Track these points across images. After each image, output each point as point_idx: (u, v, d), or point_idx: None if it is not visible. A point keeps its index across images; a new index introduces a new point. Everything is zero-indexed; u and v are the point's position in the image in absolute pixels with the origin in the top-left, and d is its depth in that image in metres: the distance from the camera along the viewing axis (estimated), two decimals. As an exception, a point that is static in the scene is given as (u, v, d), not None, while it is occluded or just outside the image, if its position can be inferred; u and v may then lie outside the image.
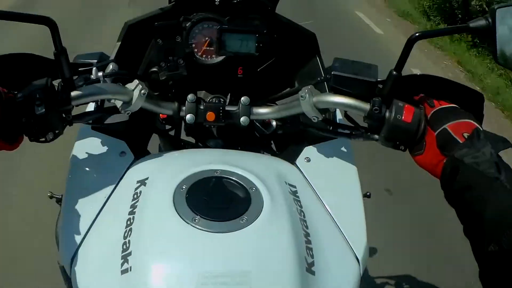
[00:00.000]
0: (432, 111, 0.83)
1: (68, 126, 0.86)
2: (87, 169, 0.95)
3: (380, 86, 0.87)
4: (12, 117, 0.78)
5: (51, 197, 1.47)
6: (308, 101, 0.88)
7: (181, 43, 0.99)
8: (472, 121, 0.79)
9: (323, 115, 0.92)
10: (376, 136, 0.87)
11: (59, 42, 0.79)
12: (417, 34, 0.80)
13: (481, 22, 0.78)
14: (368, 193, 1.41)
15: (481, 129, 0.77)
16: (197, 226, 0.71)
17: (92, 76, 0.91)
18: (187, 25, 1.07)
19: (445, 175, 0.76)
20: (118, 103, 0.90)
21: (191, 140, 1.18)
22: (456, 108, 0.83)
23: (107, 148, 0.99)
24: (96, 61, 1.08)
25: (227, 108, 1.00)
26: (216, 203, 0.76)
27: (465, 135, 0.76)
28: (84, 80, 0.90)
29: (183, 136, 1.18)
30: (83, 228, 0.83)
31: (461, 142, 0.75)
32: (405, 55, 0.82)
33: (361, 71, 0.88)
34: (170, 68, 1.00)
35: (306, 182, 0.94)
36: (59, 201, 1.44)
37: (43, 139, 0.81)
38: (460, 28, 0.81)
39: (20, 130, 0.80)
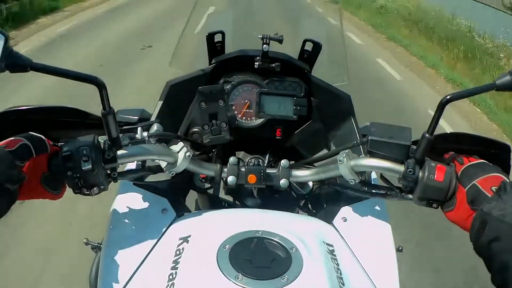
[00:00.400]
0: (462, 168, 0.86)
1: (112, 182, 0.89)
2: (129, 222, 0.98)
3: (414, 147, 0.89)
4: (57, 169, 0.82)
5: (86, 243, 1.50)
6: (346, 165, 0.91)
7: (224, 107, 1.04)
8: (499, 174, 0.83)
9: (360, 178, 0.94)
10: (410, 196, 0.90)
11: (107, 102, 0.81)
12: (448, 97, 0.82)
13: (506, 77, 0.80)
14: (400, 247, 1.42)
15: (508, 180, 0.80)
16: (240, 284, 0.72)
17: (137, 136, 0.94)
18: (227, 87, 1.12)
19: (473, 229, 0.79)
20: (163, 164, 0.93)
21: (229, 197, 1.20)
22: (484, 163, 0.87)
23: (149, 204, 1.02)
24: (137, 117, 1.13)
25: (268, 170, 1.02)
26: (258, 262, 0.77)
27: (493, 188, 0.79)
28: (129, 139, 0.94)
29: (221, 193, 1.20)
30: (123, 278, 0.86)
31: (489, 196, 0.78)
32: (437, 118, 0.84)
33: (396, 134, 0.91)
34: (214, 132, 1.04)
35: (343, 241, 0.96)
36: (94, 248, 1.47)
37: (88, 193, 0.85)
38: (488, 86, 0.83)
39: (64, 181, 0.84)
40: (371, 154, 0.91)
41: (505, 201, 0.75)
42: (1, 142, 0.78)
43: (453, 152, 0.93)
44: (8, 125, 0.94)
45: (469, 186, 0.82)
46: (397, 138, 0.90)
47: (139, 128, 0.95)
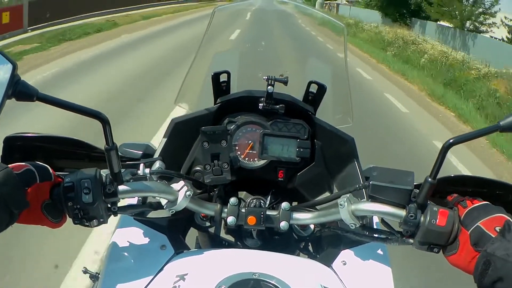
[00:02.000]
0: (465, 212, 0.86)
1: (112, 216, 0.90)
2: (127, 256, 0.98)
3: (416, 191, 0.89)
4: (58, 198, 0.83)
5: (85, 272, 1.50)
6: (346, 209, 0.90)
7: (226, 148, 1.04)
8: (503, 215, 0.82)
9: (361, 222, 0.93)
10: (411, 241, 0.89)
11: (110, 138, 0.82)
12: (451, 141, 0.82)
13: (510, 118, 0.80)
14: None
15: None
16: None
17: (139, 172, 0.95)
18: (231, 127, 1.13)
19: (477, 270, 0.78)
20: (163, 201, 0.93)
21: (230, 237, 1.19)
22: (488, 205, 0.86)
23: (148, 239, 1.02)
24: (141, 152, 1.14)
25: (268, 212, 1.01)
26: None
27: (497, 229, 0.78)
28: (131, 174, 0.94)
29: (222, 233, 1.19)
30: None
31: (493, 236, 0.78)
32: (440, 162, 0.84)
33: (397, 179, 0.90)
34: (215, 172, 1.03)
35: (341, 285, 0.94)
36: (92, 277, 1.47)
37: (87, 224, 0.85)
38: (492, 128, 0.83)
39: (64, 211, 0.84)
40: (373, 198, 0.91)
41: (509, 240, 0.74)
42: (8, 166, 0.79)
43: (456, 195, 0.93)
44: (15, 150, 0.96)
45: (472, 228, 0.82)
46: (399, 183, 0.89)
47: (141, 165, 0.96)
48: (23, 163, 0.82)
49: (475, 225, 0.81)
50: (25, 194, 0.78)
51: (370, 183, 0.90)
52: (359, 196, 1.03)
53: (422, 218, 0.86)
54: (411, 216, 0.86)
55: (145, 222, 1.05)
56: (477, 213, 0.84)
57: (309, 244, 1.22)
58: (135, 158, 1.13)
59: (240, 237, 1.15)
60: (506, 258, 0.72)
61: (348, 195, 0.93)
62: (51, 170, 0.85)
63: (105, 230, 2.22)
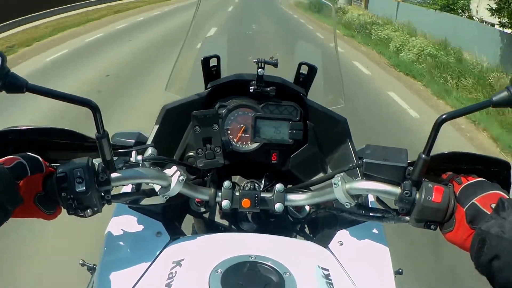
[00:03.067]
0: (460, 188, 0.85)
1: (106, 204, 0.89)
2: (123, 245, 0.98)
3: (410, 168, 0.88)
4: (52, 189, 0.83)
5: (82, 264, 1.51)
6: (341, 188, 0.90)
7: (218, 132, 1.03)
8: (498, 191, 0.82)
9: (356, 201, 0.93)
10: (407, 218, 0.89)
11: (101, 126, 0.82)
12: (443, 116, 0.81)
13: (503, 93, 0.80)
14: (400, 270, 1.42)
15: (507, 197, 0.79)
16: None
17: (131, 159, 0.95)
18: (223, 112, 1.12)
19: (473, 248, 0.78)
20: (157, 187, 0.93)
21: (225, 222, 1.19)
22: (483, 181, 0.86)
23: (144, 227, 1.02)
24: (134, 140, 1.14)
25: (262, 195, 1.01)
26: (250, 287, 0.77)
27: (493, 206, 0.78)
28: (123, 162, 0.94)
29: (217, 218, 1.19)
30: None
31: (488, 213, 0.77)
32: (433, 138, 0.84)
33: (391, 156, 0.90)
34: (207, 156, 1.02)
35: (339, 265, 0.94)
36: (90, 269, 1.48)
37: (82, 214, 0.85)
38: (485, 103, 0.82)
39: (58, 202, 0.84)
40: (367, 176, 0.91)
41: (503, 217, 0.74)
42: None
43: (451, 172, 0.93)
44: (7, 144, 0.96)
45: (468, 205, 0.81)
46: (393, 160, 0.89)
47: (133, 152, 0.96)
48: (13, 156, 0.81)
49: (471, 202, 0.81)
50: (17, 189, 0.77)
51: (364, 161, 0.90)
52: (354, 176, 1.03)
53: (417, 195, 0.85)
54: (406, 193, 0.86)
55: (140, 210, 1.05)
56: (472, 190, 0.83)
57: (305, 225, 1.22)
58: (127, 146, 1.12)
59: (236, 221, 1.15)
60: (501, 235, 0.72)
61: (342, 174, 0.92)
62: (43, 162, 0.85)
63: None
